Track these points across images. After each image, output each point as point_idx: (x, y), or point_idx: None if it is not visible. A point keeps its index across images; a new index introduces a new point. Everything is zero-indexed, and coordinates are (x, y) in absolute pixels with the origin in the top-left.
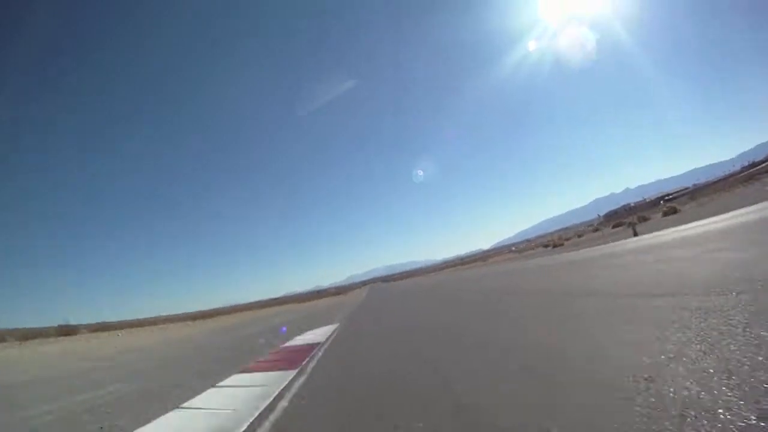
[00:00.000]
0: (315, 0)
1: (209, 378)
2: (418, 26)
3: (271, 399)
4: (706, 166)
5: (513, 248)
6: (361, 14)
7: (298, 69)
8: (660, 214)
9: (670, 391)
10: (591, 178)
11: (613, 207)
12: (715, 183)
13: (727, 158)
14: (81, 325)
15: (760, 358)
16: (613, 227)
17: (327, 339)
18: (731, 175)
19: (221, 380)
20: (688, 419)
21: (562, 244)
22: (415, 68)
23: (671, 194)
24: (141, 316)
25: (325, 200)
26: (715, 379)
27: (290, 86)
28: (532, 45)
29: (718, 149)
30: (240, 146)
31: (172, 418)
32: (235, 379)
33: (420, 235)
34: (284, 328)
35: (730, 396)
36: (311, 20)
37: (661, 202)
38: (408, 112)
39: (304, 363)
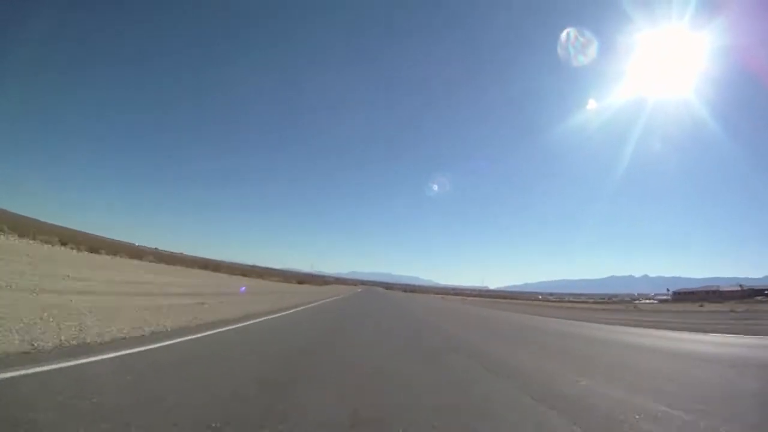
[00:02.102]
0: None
1: None
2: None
3: None
4: (731, 278)
5: (540, 297)
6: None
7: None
8: None
9: None
10: (610, 255)
11: (628, 289)
12: None
13: (754, 276)
14: None
15: None
16: None
17: None
18: None
19: None
20: None
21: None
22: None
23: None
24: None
25: (346, 189)
26: None
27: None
28: (591, 104)
29: (745, 266)
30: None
31: None
32: None
33: (426, 255)
34: None
35: None
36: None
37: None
38: (443, 129)
39: None
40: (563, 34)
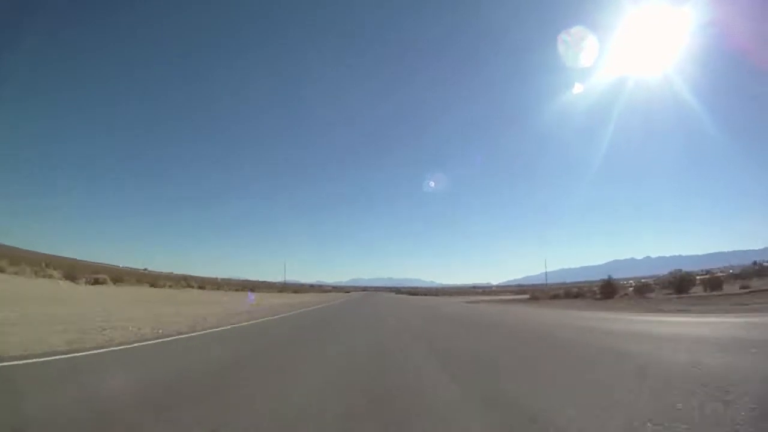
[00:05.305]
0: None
1: None
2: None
3: None
4: (732, 251)
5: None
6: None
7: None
8: None
9: None
10: (608, 239)
11: (633, 273)
12: None
13: (755, 248)
14: None
15: None
16: None
17: None
18: None
19: None
20: None
21: None
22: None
23: None
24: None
25: (342, 198)
26: None
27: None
28: (577, 88)
29: (744, 237)
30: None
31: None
32: None
33: (426, 257)
34: None
35: None
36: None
37: None
38: (433, 123)
39: None
40: (550, 22)
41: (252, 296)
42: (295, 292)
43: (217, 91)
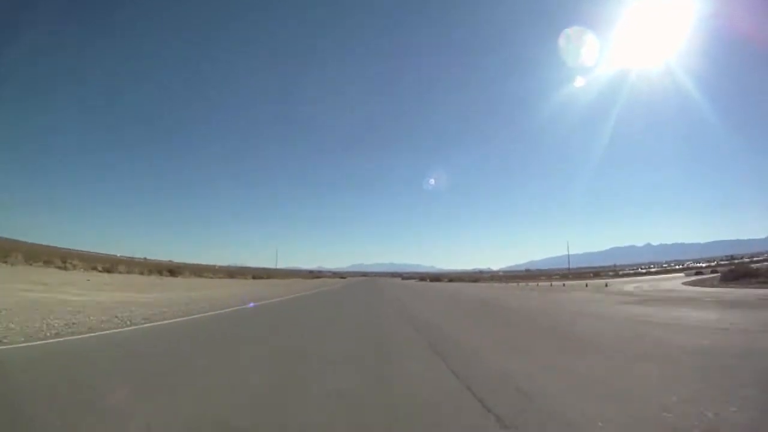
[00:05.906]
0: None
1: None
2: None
3: None
4: (734, 240)
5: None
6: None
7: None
8: None
9: None
10: (608, 227)
11: (634, 259)
12: None
13: (757, 237)
14: None
15: None
16: None
17: None
18: None
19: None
20: None
21: None
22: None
23: None
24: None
25: (341, 182)
26: None
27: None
28: (579, 81)
29: (747, 226)
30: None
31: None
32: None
33: (427, 243)
34: None
35: None
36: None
37: None
38: (435, 114)
39: None
40: (552, 17)
41: None
42: (255, 277)
43: (217, 83)
